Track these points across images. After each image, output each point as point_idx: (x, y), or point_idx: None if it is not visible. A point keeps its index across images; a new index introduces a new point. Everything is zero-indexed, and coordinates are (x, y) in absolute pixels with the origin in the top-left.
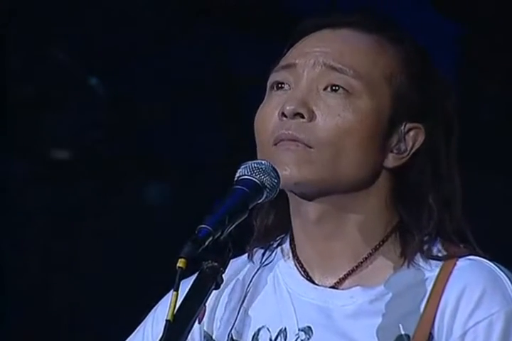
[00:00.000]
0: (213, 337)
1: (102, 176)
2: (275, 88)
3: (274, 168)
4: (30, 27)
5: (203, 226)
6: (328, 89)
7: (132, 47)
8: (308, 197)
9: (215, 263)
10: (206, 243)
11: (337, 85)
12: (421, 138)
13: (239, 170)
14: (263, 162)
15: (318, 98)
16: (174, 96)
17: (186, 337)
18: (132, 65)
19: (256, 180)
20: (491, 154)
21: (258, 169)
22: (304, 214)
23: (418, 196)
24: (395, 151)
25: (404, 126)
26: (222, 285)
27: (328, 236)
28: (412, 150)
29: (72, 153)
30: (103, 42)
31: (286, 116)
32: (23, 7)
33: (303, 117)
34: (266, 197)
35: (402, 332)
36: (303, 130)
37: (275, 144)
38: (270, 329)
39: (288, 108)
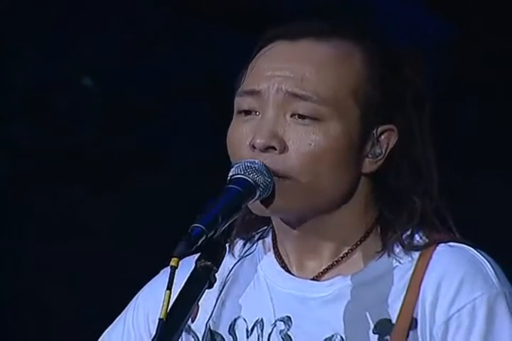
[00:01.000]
0: (192, 326)
1: (99, 176)
2: (243, 114)
3: (267, 167)
4: (27, 26)
5: (196, 225)
6: (295, 116)
7: (129, 46)
8: (290, 222)
9: (208, 263)
10: (199, 242)
11: (302, 114)
12: (394, 138)
13: (232, 169)
14: (256, 161)
15: (286, 125)
16: (171, 95)
17: (179, 336)
18: (128, 64)
19: (249, 179)
20: (476, 153)
21: (251, 168)
22: (287, 231)
23: (398, 194)
24: (370, 156)
25: (376, 130)
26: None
27: (311, 244)
28: (387, 152)
29: (69, 152)
30: (99, 41)
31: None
32: (22, 7)
33: (275, 149)
34: (259, 196)
35: (383, 317)
36: (276, 162)
37: None
38: (246, 319)
39: (258, 141)
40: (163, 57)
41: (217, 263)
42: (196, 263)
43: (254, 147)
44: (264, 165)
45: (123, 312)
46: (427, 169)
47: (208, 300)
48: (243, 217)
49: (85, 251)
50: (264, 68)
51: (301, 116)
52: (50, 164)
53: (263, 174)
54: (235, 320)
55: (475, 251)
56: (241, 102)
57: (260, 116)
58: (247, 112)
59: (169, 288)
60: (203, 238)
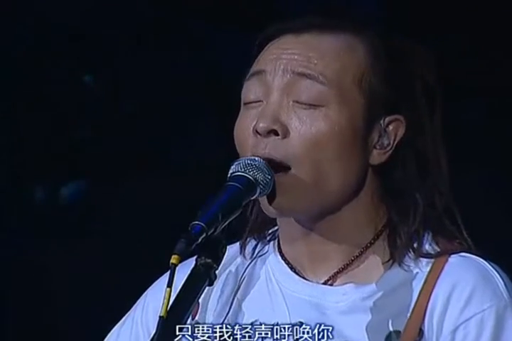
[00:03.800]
0: None
1: (96, 175)
2: (248, 103)
3: (267, 165)
4: (27, 24)
5: (196, 222)
6: (298, 101)
7: (129, 44)
8: (298, 221)
9: (209, 260)
10: (199, 239)
11: (306, 98)
12: (402, 129)
13: (232, 167)
14: (256, 158)
15: (290, 110)
16: (171, 95)
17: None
18: (127, 63)
19: (249, 177)
20: (474, 151)
21: (251, 165)
22: (295, 230)
23: (404, 190)
24: (378, 147)
25: (383, 121)
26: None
27: (318, 242)
28: (395, 142)
29: (68, 151)
30: (99, 40)
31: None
32: (22, 5)
33: (277, 134)
34: (259, 193)
35: (393, 329)
36: (279, 148)
37: None
38: (262, 323)
39: (261, 125)
40: (163, 56)
41: (218, 260)
42: (196, 260)
43: (257, 132)
44: (265, 162)
45: (131, 311)
46: (435, 163)
47: (222, 301)
48: (255, 217)
49: (85, 251)
50: (270, 52)
51: (303, 103)
52: (48, 163)
53: (263, 171)
54: (252, 323)
55: (486, 263)
56: (246, 91)
57: (264, 102)
58: (252, 102)
59: (169, 285)
60: (203, 235)
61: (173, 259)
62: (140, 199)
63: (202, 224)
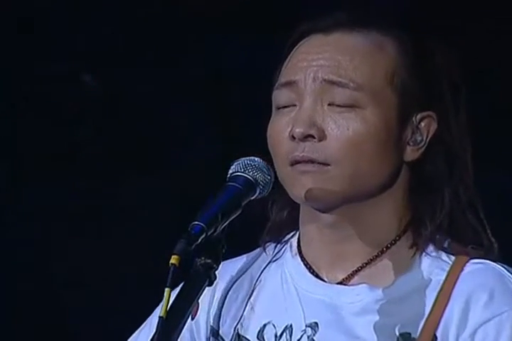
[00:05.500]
0: (219, 331)
1: (97, 175)
2: (282, 108)
3: (267, 165)
4: (29, 23)
5: (196, 222)
6: (333, 105)
7: (129, 44)
8: (327, 211)
9: (209, 260)
10: (199, 240)
11: (339, 104)
12: (434, 125)
13: (232, 167)
14: (256, 159)
15: (324, 114)
16: (170, 94)
17: (179, 334)
18: (126, 63)
19: (249, 177)
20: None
21: (251, 166)
22: (319, 221)
23: (432, 185)
24: (411, 144)
25: (416, 117)
26: (230, 280)
27: (342, 240)
28: (428, 139)
29: (67, 151)
30: (99, 40)
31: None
32: (23, 5)
33: (314, 137)
34: (259, 193)
35: (404, 331)
36: (316, 150)
37: (291, 165)
38: (276, 325)
39: (297, 131)
40: (163, 56)
41: (217, 260)
42: (196, 260)
43: (293, 137)
44: (264, 162)
45: (149, 318)
46: (462, 157)
47: (236, 304)
48: (274, 218)
49: (85, 251)
50: (299, 60)
51: (338, 106)
52: (48, 163)
53: (263, 171)
54: (265, 325)
55: (503, 269)
56: (279, 96)
57: (298, 107)
58: (285, 106)
59: (169, 285)
60: (203, 236)
61: (173, 259)
62: (140, 199)
63: (202, 224)
